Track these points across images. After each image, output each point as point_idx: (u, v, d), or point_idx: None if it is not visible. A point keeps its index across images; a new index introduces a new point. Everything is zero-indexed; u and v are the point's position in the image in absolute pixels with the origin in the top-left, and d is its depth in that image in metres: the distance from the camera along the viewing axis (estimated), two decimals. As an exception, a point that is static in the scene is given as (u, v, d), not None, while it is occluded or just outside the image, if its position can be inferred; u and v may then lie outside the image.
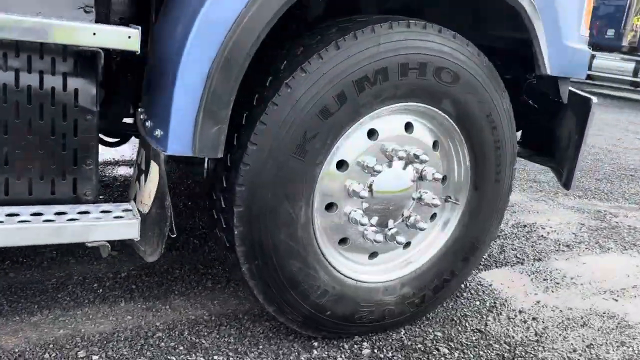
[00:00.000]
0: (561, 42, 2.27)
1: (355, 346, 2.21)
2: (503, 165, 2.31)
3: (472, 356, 2.24)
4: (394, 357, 2.16)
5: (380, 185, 2.08)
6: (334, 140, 1.91)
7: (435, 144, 2.21)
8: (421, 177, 2.17)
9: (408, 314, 2.30)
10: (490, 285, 2.91)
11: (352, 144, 2.00)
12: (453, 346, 2.29)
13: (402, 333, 2.34)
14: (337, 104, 1.85)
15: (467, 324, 2.48)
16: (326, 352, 2.15)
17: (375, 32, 1.88)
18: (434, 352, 2.23)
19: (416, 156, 2.10)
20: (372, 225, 2.13)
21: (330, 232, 2.08)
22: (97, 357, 1.96)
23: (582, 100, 2.51)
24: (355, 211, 2.07)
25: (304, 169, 1.87)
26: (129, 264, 2.64)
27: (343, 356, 2.14)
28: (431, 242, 2.33)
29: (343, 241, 2.13)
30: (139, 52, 1.62)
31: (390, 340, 2.27)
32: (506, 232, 3.72)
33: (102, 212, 1.71)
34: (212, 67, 1.66)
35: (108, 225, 1.64)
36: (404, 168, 2.13)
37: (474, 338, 2.38)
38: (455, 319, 2.51)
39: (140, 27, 1.62)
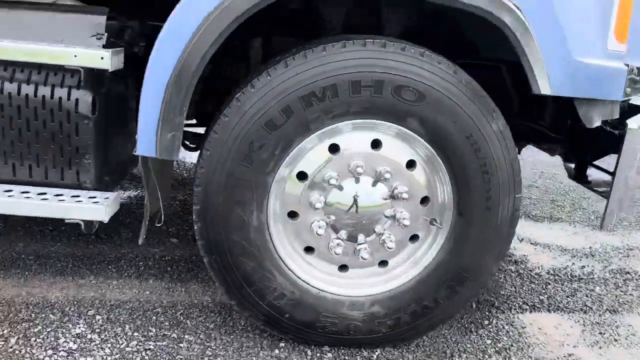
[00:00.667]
0: (570, 59, 2.01)
1: (318, 354, 2.26)
2: (496, 192, 2.12)
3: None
4: (350, 373, 2.16)
5: (343, 199, 2.13)
6: (284, 151, 2.03)
7: (412, 163, 2.15)
8: (393, 196, 2.14)
9: (379, 334, 2.25)
10: (523, 327, 2.61)
11: (310, 157, 2.10)
12: (422, 377, 2.18)
13: (377, 352, 2.30)
14: (283, 117, 1.98)
15: (458, 360, 2.31)
16: (286, 353, 2.25)
17: (325, 51, 1.96)
18: (396, 378, 2.16)
19: (381, 174, 2.09)
20: (338, 238, 2.18)
21: (293, 239, 2.19)
22: (99, 317, 2.40)
23: (619, 125, 2.16)
24: (317, 222, 2.15)
25: (252, 177, 2.04)
26: (180, 250, 3.09)
27: (302, 361, 2.22)
28: (413, 263, 2.26)
29: (310, 250, 2.22)
30: (109, 70, 2.00)
31: (358, 357, 2.27)
32: (594, 276, 3.23)
33: (89, 197, 2.13)
34: (169, 80, 1.96)
35: (81, 207, 2.05)
36: (374, 185, 2.14)
37: (453, 374, 2.22)
38: (448, 352, 2.36)
39: (112, 50, 2.01)
